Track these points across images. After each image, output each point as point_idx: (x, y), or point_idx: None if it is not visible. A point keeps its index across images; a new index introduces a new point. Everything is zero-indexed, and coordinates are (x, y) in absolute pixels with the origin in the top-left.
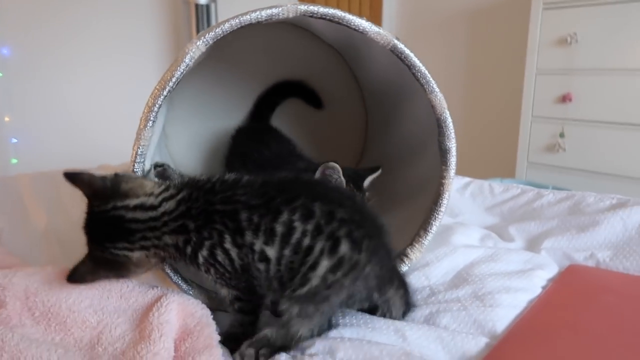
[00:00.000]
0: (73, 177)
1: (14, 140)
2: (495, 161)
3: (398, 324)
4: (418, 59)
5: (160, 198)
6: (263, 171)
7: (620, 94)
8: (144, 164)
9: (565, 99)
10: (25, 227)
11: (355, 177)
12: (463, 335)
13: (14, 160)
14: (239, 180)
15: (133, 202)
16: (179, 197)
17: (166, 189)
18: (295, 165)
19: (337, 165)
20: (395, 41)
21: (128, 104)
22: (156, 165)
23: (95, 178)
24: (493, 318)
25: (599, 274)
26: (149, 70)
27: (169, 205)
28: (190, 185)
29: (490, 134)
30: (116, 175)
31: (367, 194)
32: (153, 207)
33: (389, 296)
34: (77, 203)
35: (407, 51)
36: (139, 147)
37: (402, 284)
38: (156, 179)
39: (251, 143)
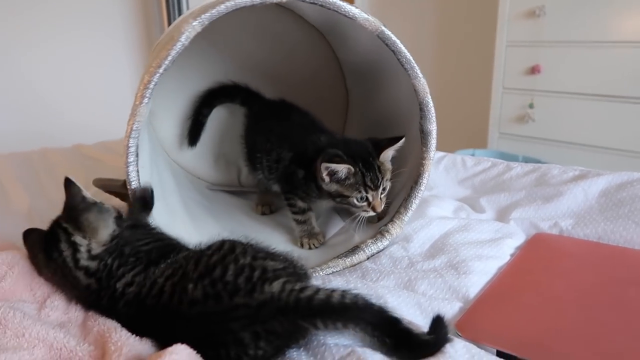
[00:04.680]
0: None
1: None
2: (467, 132)
3: (380, 290)
4: (404, 46)
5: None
6: (287, 144)
7: (587, 66)
8: (138, 139)
9: (534, 70)
10: (8, 208)
11: (372, 147)
12: (439, 301)
13: None
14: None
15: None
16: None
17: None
18: (318, 139)
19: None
20: (383, 28)
21: (96, 81)
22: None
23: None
24: (467, 284)
25: (561, 241)
26: (117, 46)
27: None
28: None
29: (462, 106)
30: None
31: (388, 166)
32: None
33: None
34: (56, 184)
35: (394, 38)
36: (134, 123)
37: None
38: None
39: (272, 117)
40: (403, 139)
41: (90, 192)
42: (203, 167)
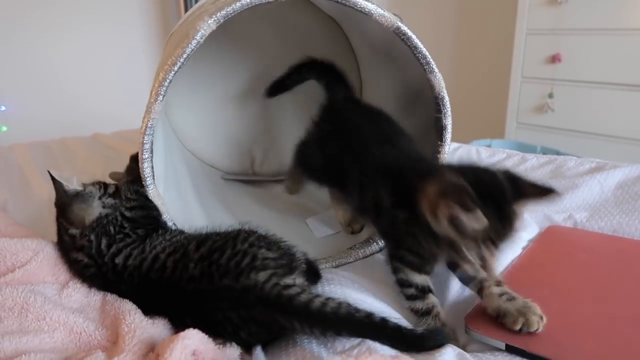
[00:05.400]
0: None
1: (3, 108)
2: (485, 122)
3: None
4: (420, 41)
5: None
6: (368, 153)
7: (609, 54)
8: (152, 136)
9: (554, 59)
10: (28, 196)
11: (509, 185)
12: (451, 292)
13: (4, 128)
14: None
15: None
16: None
17: None
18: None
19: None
20: (399, 24)
21: (116, 72)
22: None
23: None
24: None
25: (575, 234)
26: (134, 35)
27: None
28: None
29: (481, 95)
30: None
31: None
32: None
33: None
34: (76, 173)
35: (410, 33)
36: (149, 120)
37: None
38: None
39: (354, 118)
40: (554, 194)
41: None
42: (217, 156)
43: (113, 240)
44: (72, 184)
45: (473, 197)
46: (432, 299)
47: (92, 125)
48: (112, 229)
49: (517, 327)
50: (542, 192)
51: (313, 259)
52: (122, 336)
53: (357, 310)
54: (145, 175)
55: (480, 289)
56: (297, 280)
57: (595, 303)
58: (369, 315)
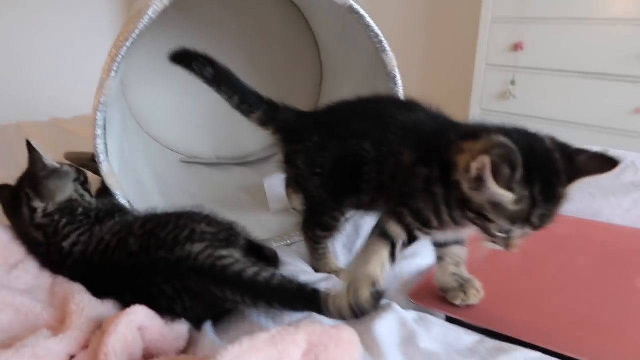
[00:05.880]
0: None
1: None
2: (450, 108)
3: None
4: (372, 20)
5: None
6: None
7: (569, 43)
8: (106, 113)
9: (517, 47)
10: None
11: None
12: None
13: None
14: None
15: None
16: None
17: None
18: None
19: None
20: (351, 2)
21: (77, 55)
22: None
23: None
24: (422, 253)
25: None
26: (97, 20)
27: None
28: None
29: (447, 81)
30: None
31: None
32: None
33: None
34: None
35: (362, 12)
36: (101, 97)
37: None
38: None
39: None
40: (616, 165)
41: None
42: (177, 140)
43: (72, 223)
44: (49, 161)
45: (517, 157)
46: (382, 246)
47: (51, 110)
48: (78, 212)
49: (457, 302)
50: (602, 165)
51: (264, 241)
52: (70, 315)
53: (290, 281)
54: (99, 152)
55: (440, 258)
56: (235, 254)
57: (529, 275)
58: (302, 286)
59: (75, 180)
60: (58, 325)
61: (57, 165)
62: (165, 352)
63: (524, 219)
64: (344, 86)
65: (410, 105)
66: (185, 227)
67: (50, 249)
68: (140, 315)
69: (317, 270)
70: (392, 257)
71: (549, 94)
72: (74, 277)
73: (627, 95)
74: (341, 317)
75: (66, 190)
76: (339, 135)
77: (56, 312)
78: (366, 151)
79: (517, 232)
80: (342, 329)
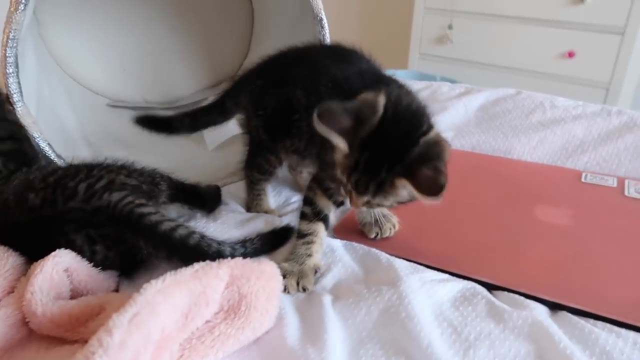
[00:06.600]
0: None
1: None
2: (388, 52)
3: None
4: None
5: None
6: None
7: None
8: (16, 49)
9: None
10: None
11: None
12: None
13: None
14: None
15: None
16: None
17: None
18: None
19: None
20: None
21: None
22: None
23: None
24: None
25: None
26: None
27: None
28: None
29: (385, 25)
30: None
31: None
32: None
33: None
34: None
35: None
36: (10, 32)
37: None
38: None
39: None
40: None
41: None
42: (103, 83)
43: None
44: None
45: (339, 120)
46: (318, 228)
47: None
48: None
49: (372, 236)
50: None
51: (202, 186)
52: None
53: (208, 245)
54: (12, 92)
55: None
56: (156, 208)
57: (443, 209)
58: (220, 252)
59: None
60: None
61: None
62: (95, 292)
63: (347, 175)
64: (274, 30)
65: (349, 58)
66: (100, 177)
67: None
68: (67, 258)
69: (249, 209)
70: (327, 228)
71: (485, 39)
72: None
73: (558, 40)
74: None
75: None
76: (279, 80)
77: None
78: (298, 99)
79: (348, 186)
80: (263, 262)
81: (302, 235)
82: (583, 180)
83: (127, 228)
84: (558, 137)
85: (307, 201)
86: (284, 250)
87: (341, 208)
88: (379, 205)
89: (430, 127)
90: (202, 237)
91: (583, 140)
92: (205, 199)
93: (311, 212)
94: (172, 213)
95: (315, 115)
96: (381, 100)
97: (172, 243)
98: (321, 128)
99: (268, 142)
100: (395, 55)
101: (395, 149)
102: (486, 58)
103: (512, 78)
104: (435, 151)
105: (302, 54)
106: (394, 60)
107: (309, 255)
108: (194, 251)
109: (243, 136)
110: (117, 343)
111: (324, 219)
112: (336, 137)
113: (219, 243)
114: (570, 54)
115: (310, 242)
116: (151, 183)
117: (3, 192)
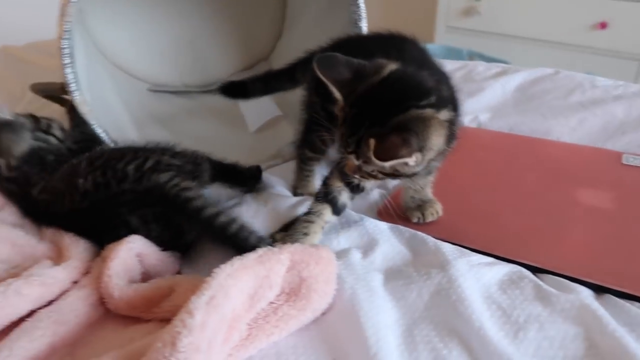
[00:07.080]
0: None
1: None
2: (414, 26)
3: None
4: None
5: None
6: None
7: None
8: (71, 40)
9: None
10: None
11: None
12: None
13: None
14: None
15: None
16: None
17: None
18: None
19: None
20: None
21: None
22: None
23: None
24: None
25: (477, 133)
26: None
27: None
28: None
29: None
30: None
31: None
32: None
33: None
34: None
35: None
36: (64, 24)
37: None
38: None
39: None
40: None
41: (27, 98)
42: (143, 68)
43: (44, 170)
44: (3, 113)
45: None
46: (323, 209)
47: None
48: (48, 158)
49: (414, 220)
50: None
51: (241, 165)
52: (66, 247)
53: (247, 236)
54: (69, 81)
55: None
56: (199, 190)
57: (485, 192)
58: (256, 246)
59: (34, 129)
60: (56, 257)
61: (9, 118)
62: (162, 275)
63: (339, 129)
64: (306, 12)
65: (403, 46)
66: (147, 158)
67: (23, 197)
68: (139, 244)
69: (295, 190)
70: (336, 212)
71: (514, 11)
72: (48, 223)
73: (590, 11)
74: None
75: (22, 142)
76: None
77: (50, 245)
78: None
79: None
80: (321, 248)
81: (306, 213)
82: (623, 162)
83: (173, 210)
84: (598, 117)
85: (324, 182)
86: (281, 219)
87: (382, 192)
88: (368, 174)
89: (434, 105)
90: (242, 226)
91: (623, 121)
92: (245, 177)
93: (323, 193)
94: (214, 193)
95: (315, 61)
96: (391, 66)
97: (213, 230)
98: (319, 74)
99: (324, 119)
100: (420, 28)
101: (381, 111)
102: (514, 30)
103: (541, 50)
104: (417, 126)
105: (374, 40)
106: (419, 34)
107: (305, 234)
108: (231, 240)
109: (300, 113)
110: (198, 323)
111: (332, 201)
112: (331, 86)
113: (251, 232)
114: (603, 25)
115: (310, 222)
116: (194, 163)
117: (50, 182)
